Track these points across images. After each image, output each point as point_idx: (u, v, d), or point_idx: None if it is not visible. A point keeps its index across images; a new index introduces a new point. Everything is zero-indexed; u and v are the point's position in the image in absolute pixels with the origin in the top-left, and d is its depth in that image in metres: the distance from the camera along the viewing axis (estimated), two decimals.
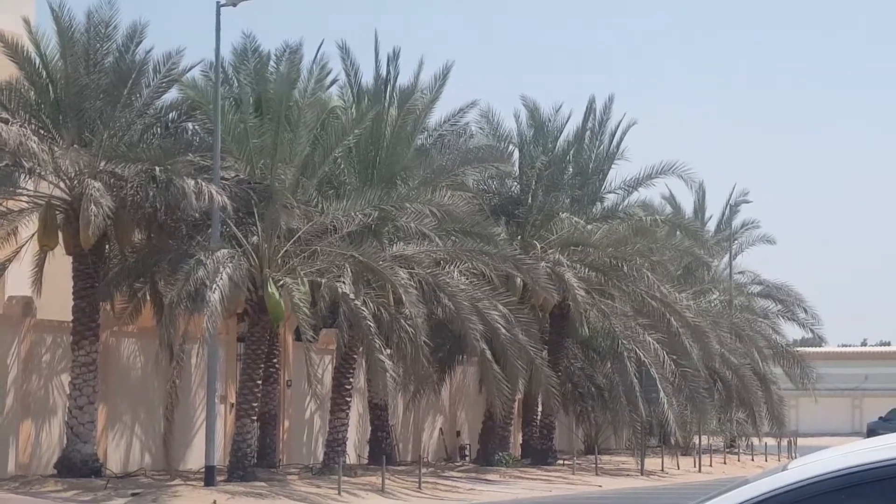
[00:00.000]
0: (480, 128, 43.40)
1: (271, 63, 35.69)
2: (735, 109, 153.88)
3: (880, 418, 72.16)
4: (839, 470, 3.43)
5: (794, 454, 49.70)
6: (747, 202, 60.69)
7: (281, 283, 31.42)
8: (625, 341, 42.10)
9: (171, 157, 30.27)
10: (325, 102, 36.29)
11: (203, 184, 29.43)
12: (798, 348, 60.06)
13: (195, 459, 34.27)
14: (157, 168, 29.85)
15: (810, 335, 61.27)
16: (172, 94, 33.74)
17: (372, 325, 31.96)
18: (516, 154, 44.19)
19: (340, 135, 34.11)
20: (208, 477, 30.23)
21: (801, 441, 57.51)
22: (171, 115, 33.87)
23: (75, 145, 30.60)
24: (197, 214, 30.47)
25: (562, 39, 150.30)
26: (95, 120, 31.50)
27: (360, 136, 35.13)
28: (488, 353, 35.89)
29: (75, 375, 30.93)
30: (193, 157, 31.01)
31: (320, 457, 37.27)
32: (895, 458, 3.38)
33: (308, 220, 32.92)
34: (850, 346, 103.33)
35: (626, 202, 46.74)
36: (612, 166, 45.59)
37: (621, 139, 45.17)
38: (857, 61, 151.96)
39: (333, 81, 38.07)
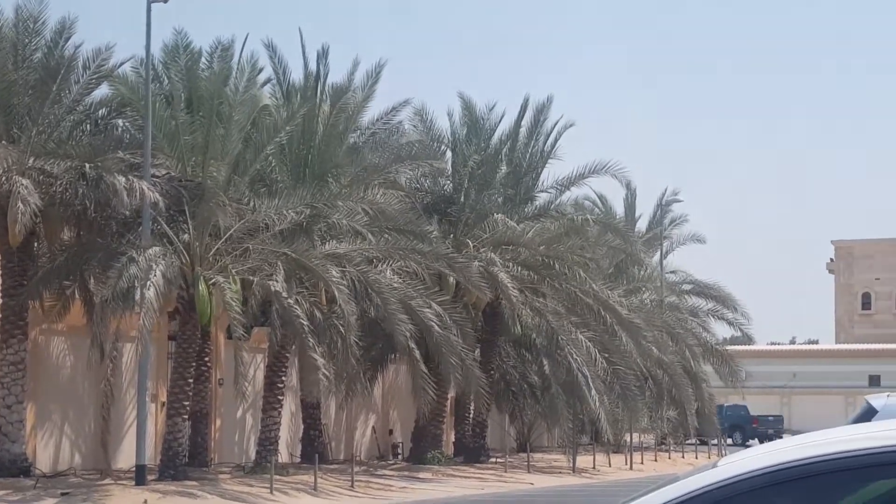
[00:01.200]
0: (414, 126, 43.44)
1: (203, 60, 35.51)
2: (669, 112, 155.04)
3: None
4: (766, 467, 3.45)
5: (723, 451, 50.20)
6: (678, 201, 61.30)
7: (212, 281, 31.26)
8: (557, 339, 42.23)
9: (102, 154, 30.01)
10: (256, 100, 36.17)
11: (134, 181, 29.20)
12: (728, 347, 60.62)
13: (126, 458, 34.01)
14: (87, 165, 29.58)
15: (740, 334, 61.81)
16: (103, 91, 33.54)
17: (305, 323, 31.88)
18: (449, 153, 44.26)
19: (272, 132, 34.01)
20: (139, 476, 30.03)
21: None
22: (101, 112, 33.59)
23: (3, 142, 30.27)
24: (128, 212, 30.26)
25: (503, 42, 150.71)
26: (24, 116, 31.18)
27: (292, 133, 35.04)
28: (417, 352, 35.91)
29: (3, 374, 30.59)
30: (124, 155, 30.75)
31: (252, 455, 37.12)
32: (820, 455, 3.42)
33: (240, 218, 32.79)
34: (778, 344, 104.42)
35: (558, 201, 46.96)
36: (546, 166, 45.80)
37: (556, 139, 45.37)
38: (793, 63, 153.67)
39: (267, 80, 37.99)
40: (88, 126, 33.08)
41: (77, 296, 32.30)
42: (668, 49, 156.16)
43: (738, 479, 3.44)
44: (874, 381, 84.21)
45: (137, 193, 29.01)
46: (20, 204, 28.45)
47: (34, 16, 31.67)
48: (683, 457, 54.75)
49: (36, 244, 31.73)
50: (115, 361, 34.71)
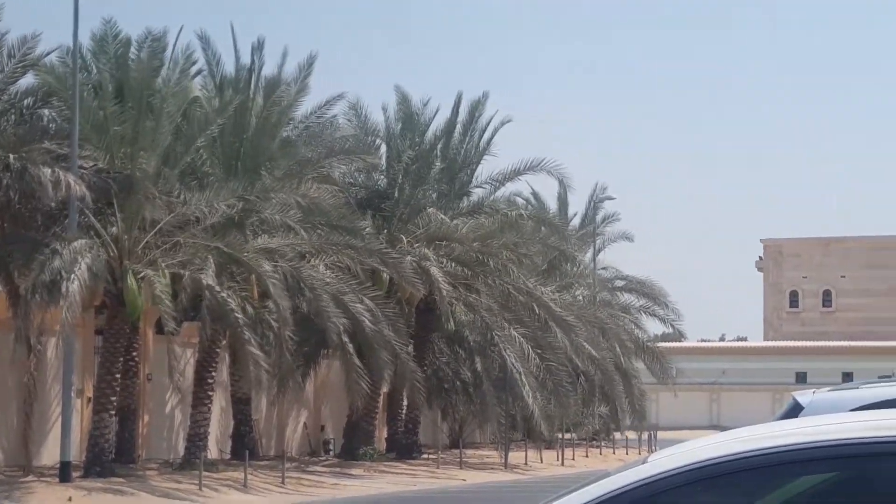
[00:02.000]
0: (349, 120, 43.16)
1: (132, 50, 34.93)
2: (604, 110, 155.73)
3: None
4: (695, 462, 3.48)
5: (654, 447, 50.36)
6: (610, 198, 61.43)
7: (141, 275, 30.78)
8: (490, 336, 42.14)
9: (27, 145, 29.44)
10: (188, 91, 35.72)
11: (60, 172, 28.66)
12: (659, 343, 60.86)
13: (51, 455, 33.38)
14: (12, 156, 29.02)
15: (671, 330, 62.07)
16: (28, 80, 32.95)
17: (240, 317, 31.57)
18: (384, 148, 44.03)
19: (203, 124, 33.60)
20: (64, 473, 29.55)
21: (661, 434, 58.41)
22: (26, 102, 32.96)
23: None
24: (54, 204, 29.71)
25: (440, 40, 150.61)
26: None
27: (224, 126, 34.66)
28: (350, 347, 35.64)
29: None
30: (50, 145, 30.19)
31: (181, 452, 36.65)
32: (748, 450, 3.46)
33: (170, 211, 32.33)
34: (708, 341, 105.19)
35: (493, 197, 46.84)
36: (482, 162, 45.71)
37: (492, 135, 45.32)
38: (726, 62, 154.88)
39: (199, 72, 37.53)
40: (13, 116, 32.46)
41: (1, 288, 31.68)
42: (604, 45, 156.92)
43: (667, 475, 3.47)
44: (801, 378, 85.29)
45: (64, 185, 28.46)
46: None
47: None
48: (615, 452, 54.92)
49: None
50: (40, 356, 34.04)
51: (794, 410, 7.77)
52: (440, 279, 39.87)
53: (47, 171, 28.52)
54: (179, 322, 34.30)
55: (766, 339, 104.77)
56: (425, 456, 44.20)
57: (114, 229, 31.59)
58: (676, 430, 69.92)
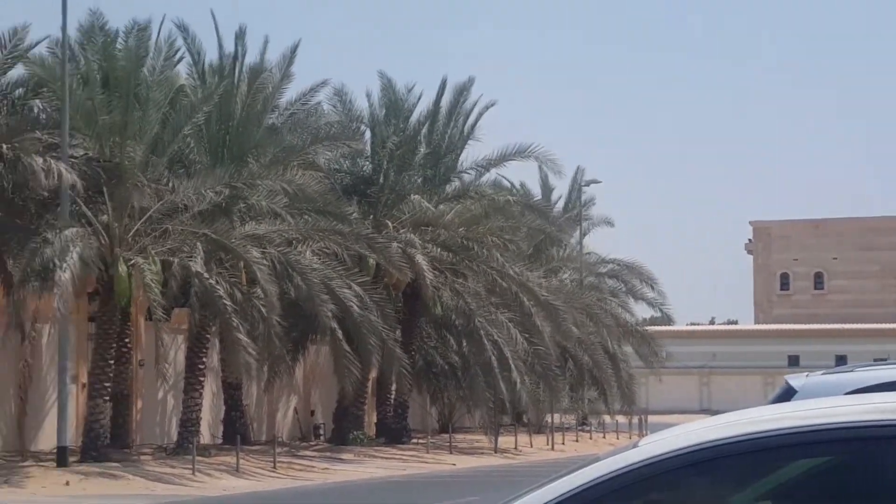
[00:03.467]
0: (333, 106, 43.45)
1: (119, 40, 35.34)
2: (589, 92, 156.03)
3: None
4: (687, 447, 3.45)
5: (644, 431, 50.73)
6: (596, 182, 61.52)
7: (132, 262, 31.21)
8: (478, 320, 42.45)
9: (18, 135, 29.89)
10: (173, 80, 36.13)
11: (52, 162, 29.12)
12: (648, 327, 61.02)
13: (47, 440, 33.88)
14: (4, 146, 29.48)
15: (659, 314, 62.33)
16: (18, 71, 33.35)
17: (228, 303, 31.94)
18: (369, 134, 44.36)
19: (189, 112, 34.00)
20: (60, 458, 29.99)
21: (651, 418, 58.49)
22: (17, 92, 33.40)
23: None
24: (46, 193, 30.13)
25: (427, 23, 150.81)
26: None
27: (210, 114, 35.03)
28: (339, 333, 36.03)
29: None
30: (41, 135, 30.63)
31: (174, 437, 37.10)
32: (741, 434, 3.46)
33: (159, 199, 32.75)
34: (698, 324, 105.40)
35: (478, 182, 47.16)
36: (466, 147, 46.01)
37: (476, 120, 45.59)
38: (712, 42, 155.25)
39: (181, 59, 37.87)
40: (5, 107, 32.88)
41: None
42: (592, 29, 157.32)
43: (659, 459, 3.43)
44: (793, 362, 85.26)
45: (55, 174, 28.91)
46: None
47: None
48: (605, 437, 55.24)
49: None
50: (35, 342, 34.53)
51: (787, 394, 7.37)
52: (423, 265, 40.21)
53: (39, 160, 28.98)
54: (169, 309, 34.76)
55: (756, 322, 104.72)
56: (415, 441, 44.54)
57: (104, 217, 32.01)
58: (667, 414, 70.25)
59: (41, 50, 33.60)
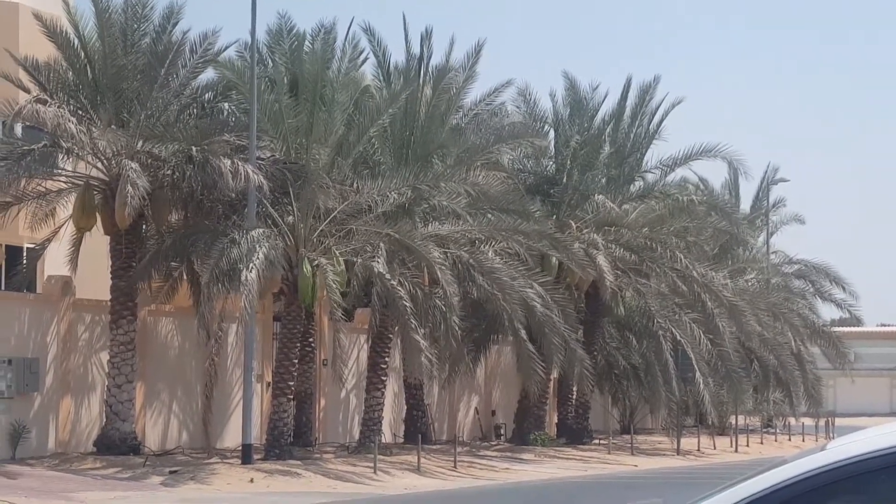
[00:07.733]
0: (517, 107, 43.28)
1: (306, 43, 35.74)
2: (777, 90, 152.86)
3: None
4: (881, 450, 3.38)
5: (831, 434, 49.52)
6: (784, 181, 60.52)
7: (316, 262, 31.55)
8: (660, 321, 42.04)
9: (208, 137, 30.42)
10: (358, 82, 36.40)
11: (239, 164, 29.57)
12: (835, 328, 59.70)
13: (232, 438, 34.52)
14: (194, 148, 30.02)
15: (847, 315, 60.86)
16: (209, 75, 33.98)
17: (408, 304, 32.01)
18: (552, 133, 44.15)
19: (374, 114, 34.17)
20: (245, 455, 30.44)
21: (838, 421, 57.20)
22: (207, 96, 34.03)
23: (113, 126, 30.80)
24: (233, 194, 30.60)
25: (609, 22, 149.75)
26: (133, 100, 31.71)
27: (395, 115, 35.17)
28: (523, 333, 35.90)
29: (114, 354, 31.20)
30: (229, 137, 31.14)
31: (356, 436, 37.43)
32: None
33: (343, 200, 33.02)
34: (888, 325, 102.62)
35: (662, 182, 46.61)
36: (651, 146, 45.48)
37: (662, 119, 45.01)
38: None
39: (365, 60, 38.11)
40: (195, 110, 33.51)
41: (184, 277, 32.83)
42: (783, 23, 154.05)
43: (849, 462, 3.38)
44: None
45: (242, 176, 29.35)
46: (129, 187, 28.96)
47: (142, 1, 32.21)
48: (790, 439, 54.20)
49: (144, 227, 32.29)
50: (221, 341, 35.16)
51: None
52: (604, 266, 39.91)
53: (227, 162, 29.43)
54: (352, 309, 35.06)
55: None
56: (596, 441, 44.25)
57: (290, 218, 32.41)
58: (855, 416, 68.59)
59: (230, 53, 34.20)
